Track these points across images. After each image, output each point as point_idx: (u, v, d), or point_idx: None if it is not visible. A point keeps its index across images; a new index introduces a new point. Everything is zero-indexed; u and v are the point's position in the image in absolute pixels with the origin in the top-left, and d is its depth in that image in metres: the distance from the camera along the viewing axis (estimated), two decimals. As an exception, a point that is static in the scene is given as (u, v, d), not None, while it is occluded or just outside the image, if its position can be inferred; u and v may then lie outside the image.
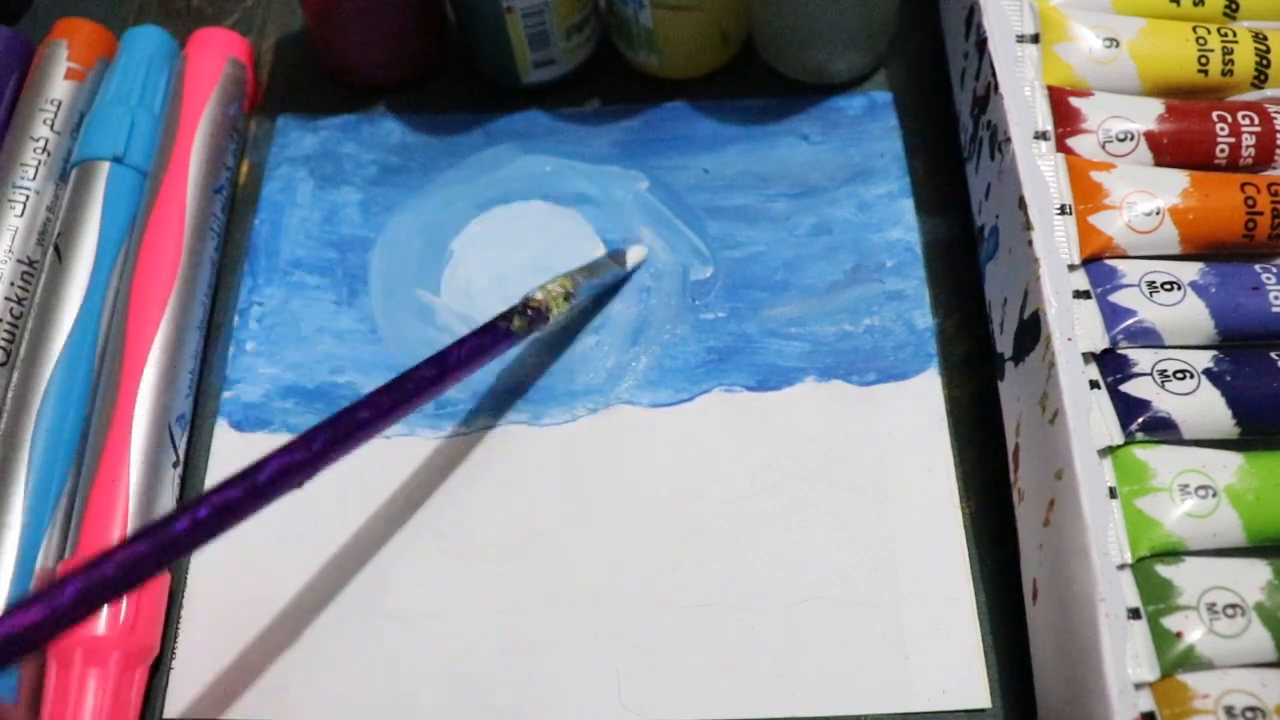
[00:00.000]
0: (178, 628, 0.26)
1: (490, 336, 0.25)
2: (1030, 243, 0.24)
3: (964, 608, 0.25)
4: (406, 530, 0.27)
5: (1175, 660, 0.20)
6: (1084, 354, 0.23)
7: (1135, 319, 0.23)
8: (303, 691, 0.25)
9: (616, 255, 0.30)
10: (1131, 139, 0.25)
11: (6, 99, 0.32)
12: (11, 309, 0.29)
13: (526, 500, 0.27)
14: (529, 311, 0.26)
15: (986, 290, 0.28)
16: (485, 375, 0.29)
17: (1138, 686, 0.20)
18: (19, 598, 0.18)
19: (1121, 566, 0.21)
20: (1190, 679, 0.20)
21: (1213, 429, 0.22)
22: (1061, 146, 0.26)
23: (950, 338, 0.29)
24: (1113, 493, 0.22)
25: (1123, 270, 0.24)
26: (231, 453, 0.28)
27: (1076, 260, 0.24)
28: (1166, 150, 0.25)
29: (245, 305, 0.31)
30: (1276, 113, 0.25)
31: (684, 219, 0.31)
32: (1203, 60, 0.26)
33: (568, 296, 0.27)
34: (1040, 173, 0.25)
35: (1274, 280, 0.23)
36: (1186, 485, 0.22)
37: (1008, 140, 0.26)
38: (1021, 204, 0.25)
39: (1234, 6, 0.27)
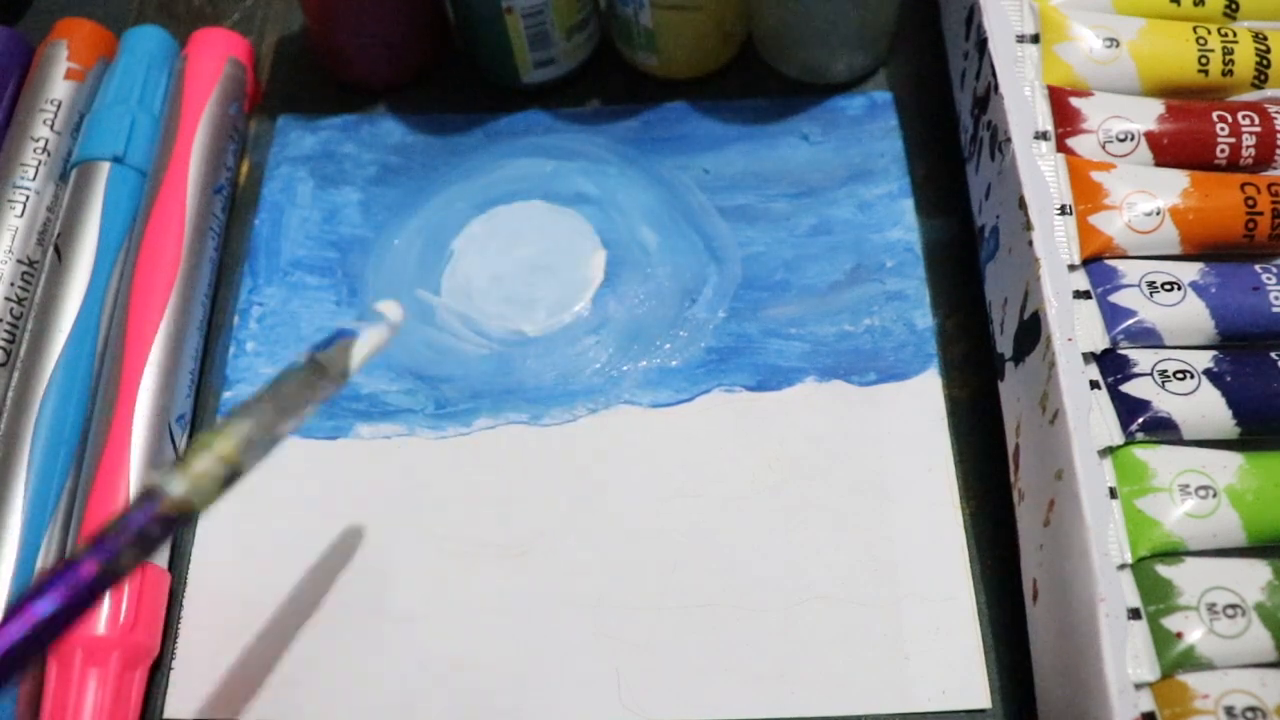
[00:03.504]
0: (178, 628, 0.26)
1: (89, 591, 0.16)
2: (1030, 243, 0.24)
3: (964, 608, 0.25)
4: (406, 530, 0.27)
5: (1175, 660, 0.20)
6: (1084, 354, 0.23)
7: (1135, 319, 0.23)
8: (303, 691, 0.25)
9: (322, 355, 0.20)
10: (1132, 139, 0.25)
11: (6, 99, 0.32)
12: (11, 309, 0.29)
13: (526, 500, 0.27)
14: (164, 524, 0.16)
15: (986, 290, 0.28)
16: (485, 375, 0.29)
17: (1138, 686, 0.20)
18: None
19: (1121, 566, 0.21)
20: (1190, 679, 0.20)
21: (1213, 429, 0.22)
22: (1061, 146, 0.26)
23: (950, 338, 0.29)
24: (1113, 493, 0.22)
25: (1123, 270, 0.24)
26: (231, 453, 0.28)
27: (1077, 260, 0.24)
28: (1167, 150, 0.25)
29: (245, 305, 0.31)
30: (1276, 113, 0.25)
31: (685, 219, 0.31)
32: (1203, 60, 0.26)
33: (230, 479, 0.17)
34: (1040, 173, 0.25)
35: (1274, 280, 0.23)
36: (1187, 485, 0.22)
37: (1008, 140, 0.26)
38: (1021, 204, 0.25)
39: (1234, 6, 0.27)
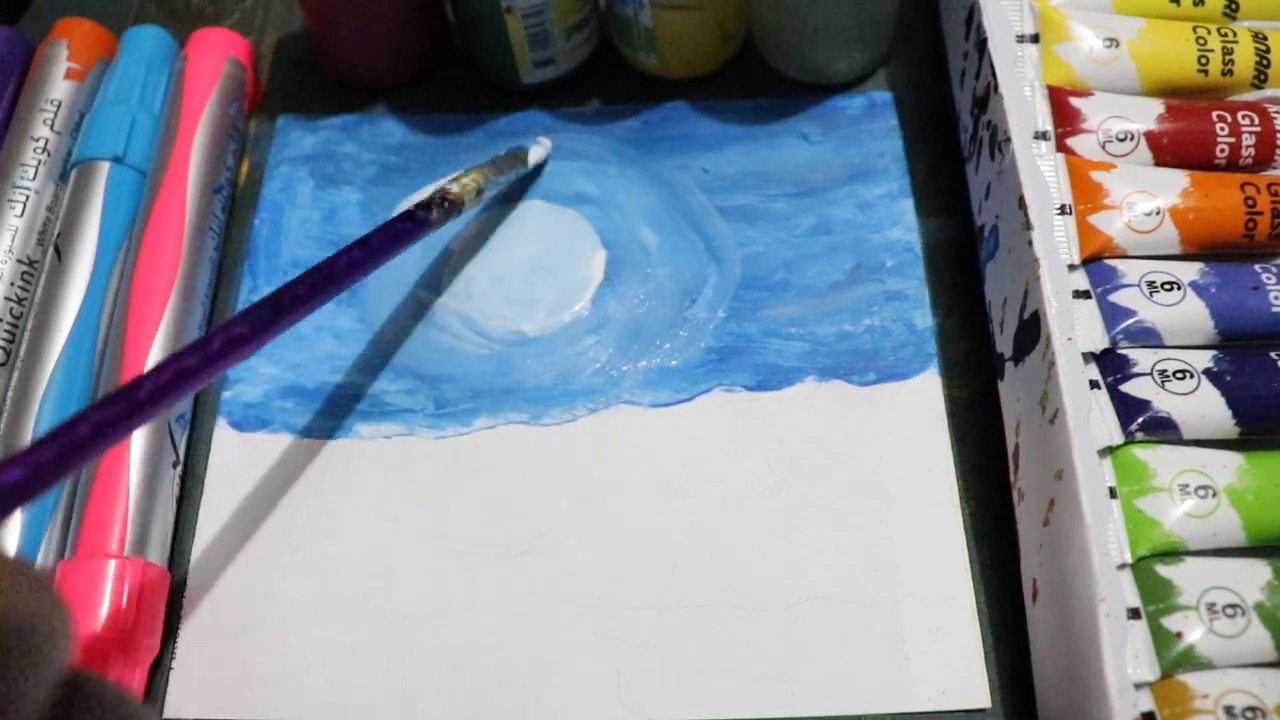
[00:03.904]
0: (178, 628, 0.26)
1: (410, 224, 0.26)
2: (1030, 243, 0.24)
3: (964, 608, 0.25)
4: (406, 530, 0.27)
5: (1175, 660, 0.20)
6: (1084, 354, 0.23)
7: (1135, 319, 0.23)
8: (303, 691, 0.25)
9: (519, 153, 0.31)
10: (1131, 139, 0.25)
11: (6, 99, 0.32)
12: (11, 309, 0.29)
13: (526, 500, 0.27)
14: (445, 204, 0.27)
15: (986, 290, 0.28)
16: (485, 375, 0.29)
17: (1138, 686, 0.20)
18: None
19: (1121, 566, 0.21)
20: (1190, 679, 0.20)
21: (1213, 429, 0.22)
22: (1061, 146, 0.26)
23: (950, 338, 0.29)
24: (1113, 493, 0.22)
25: (1123, 270, 0.24)
26: (231, 452, 0.28)
27: (1076, 260, 0.24)
28: (1166, 150, 0.25)
29: (245, 305, 0.31)
30: (1276, 113, 0.25)
31: (685, 219, 0.31)
32: (1203, 60, 0.26)
33: (479, 191, 0.29)
34: (1040, 173, 0.25)
35: (1274, 280, 0.23)
36: (1186, 485, 0.22)
37: (1008, 140, 0.26)
38: (1021, 204, 0.25)
39: (1234, 6, 0.27)
